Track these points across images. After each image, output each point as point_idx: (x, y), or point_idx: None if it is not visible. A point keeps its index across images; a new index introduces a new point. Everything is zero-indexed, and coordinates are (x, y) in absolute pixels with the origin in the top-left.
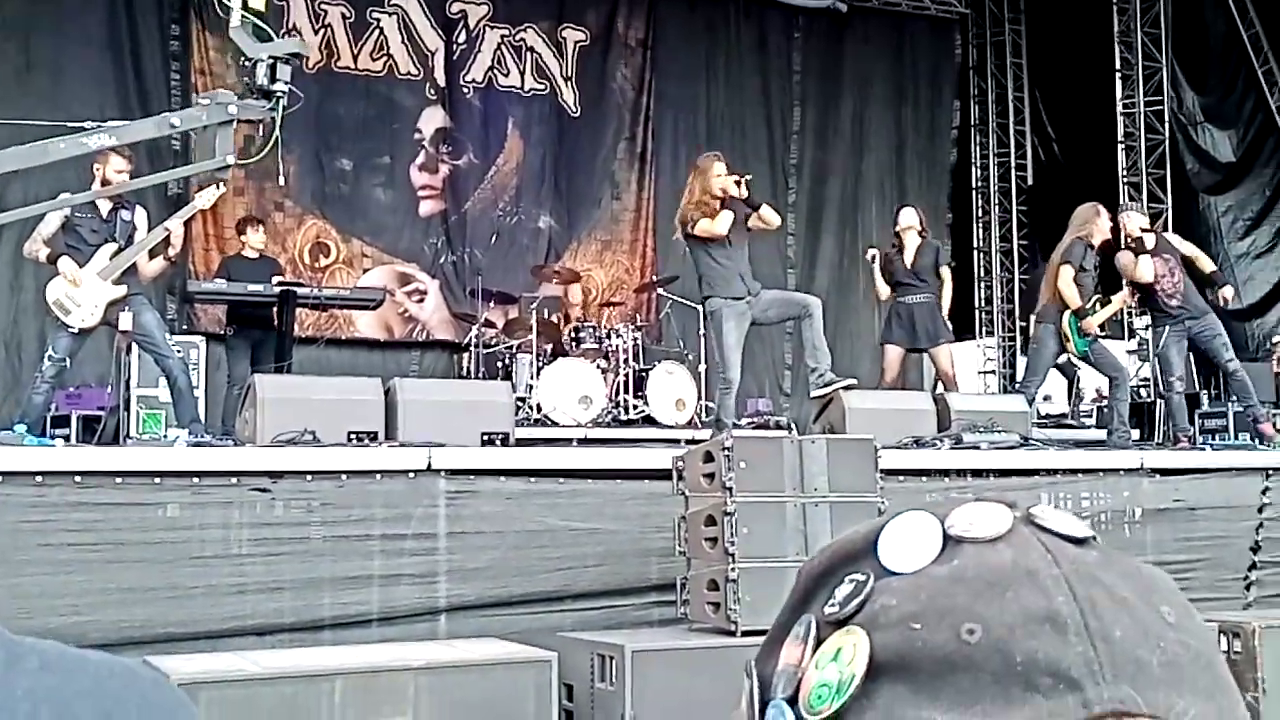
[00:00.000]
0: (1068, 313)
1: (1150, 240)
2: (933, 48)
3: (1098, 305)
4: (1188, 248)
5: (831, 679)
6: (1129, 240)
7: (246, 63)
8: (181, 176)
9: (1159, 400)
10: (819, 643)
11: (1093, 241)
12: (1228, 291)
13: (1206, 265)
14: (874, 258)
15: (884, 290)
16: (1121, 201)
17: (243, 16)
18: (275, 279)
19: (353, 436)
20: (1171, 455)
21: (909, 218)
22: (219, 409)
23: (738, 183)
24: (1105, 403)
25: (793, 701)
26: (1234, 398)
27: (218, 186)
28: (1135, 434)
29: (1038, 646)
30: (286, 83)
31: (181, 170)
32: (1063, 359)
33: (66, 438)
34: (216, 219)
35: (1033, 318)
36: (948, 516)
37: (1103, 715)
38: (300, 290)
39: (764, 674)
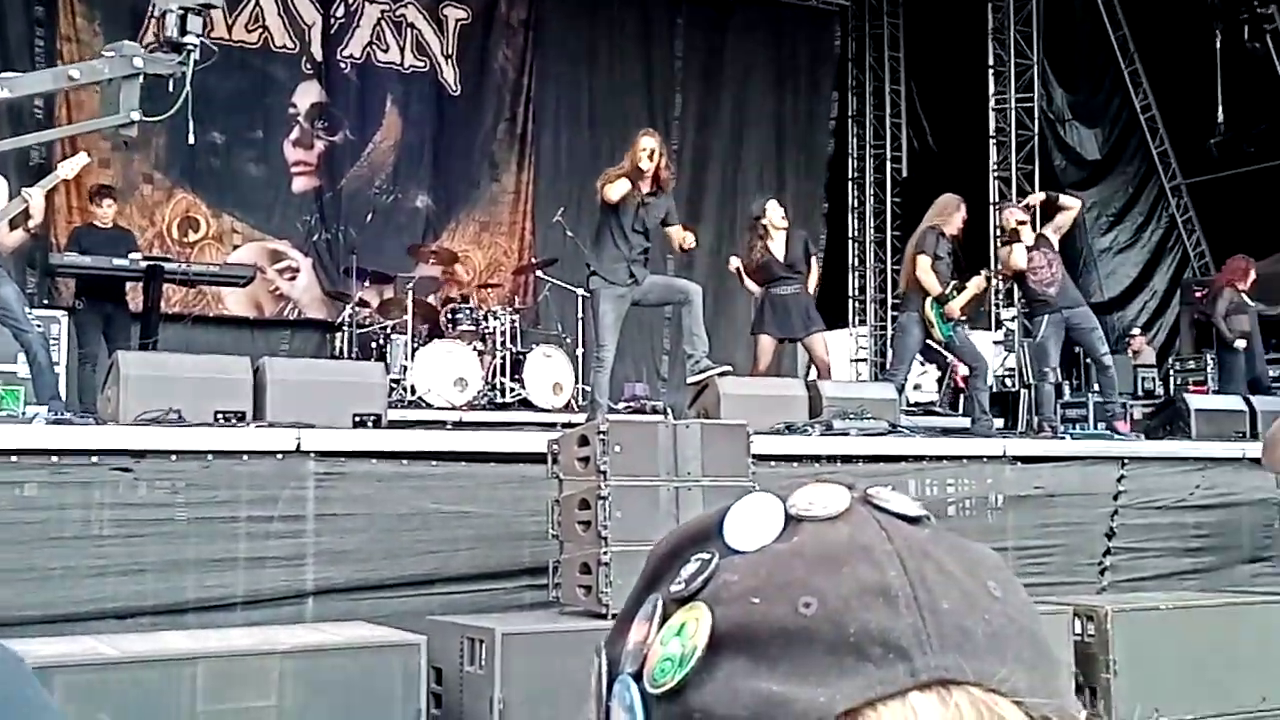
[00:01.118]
0: (929, 299)
1: (1027, 233)
2: (812, 39)
3: (956, 291)
4: (1057, 220)
5: (675, 652)
6: (1005, 234)
7: (156, 12)
8: (84, 132)
9: (1023, 389)
10: (665, 620)
11: (945, 231)
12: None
13: (1068, 201)
14: (737, 269)
15: (756, 289)
16: (992, 196)
17: None
18: (133, 254)
19: (219, 416)
20: (1033, 443)
21: (780, 212)
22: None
23: (657, 163)
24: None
25: (638, 677)
26: (1096, 388)
27: (90, 153)
28: (999, 422)
29: (870, 618)
30: (198, 35)
31: (84, 125)
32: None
33: None
34: (80, 190)
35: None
36: (790, 497)
37: (929, 682)
38: (168, 266)
39: (613, 654)
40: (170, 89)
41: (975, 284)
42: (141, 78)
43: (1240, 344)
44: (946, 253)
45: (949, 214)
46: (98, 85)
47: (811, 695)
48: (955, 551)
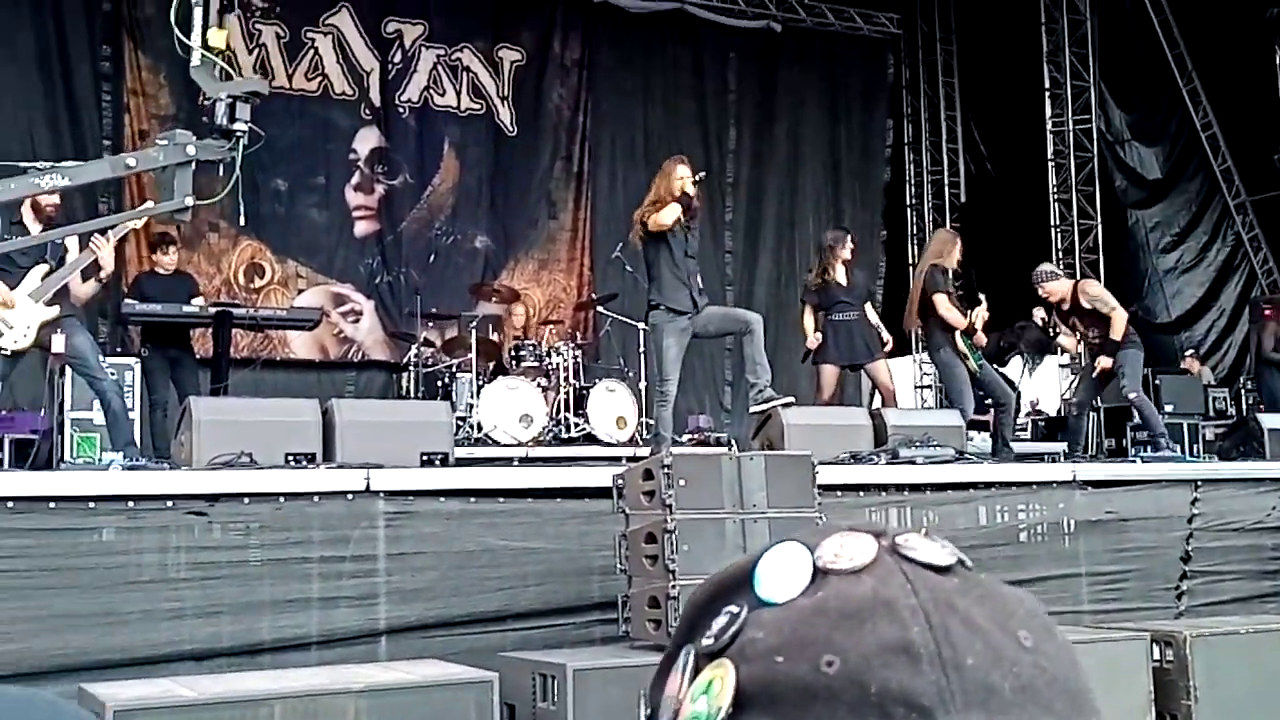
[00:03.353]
0: (958, 333)
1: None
2: (866, 67)
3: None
4: (1103, 304)
5: (702, 711)
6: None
7: (206, 102)
8: (144, 217)
9: (1090, 413)
10: (695, 674)
11: (946, 266)
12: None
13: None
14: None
15: (813, 340)
16: (1053, 219)
17: (203, 55)
18: (195, 298)
19: (290, 458)
20: (1103, 468)
21: (851, 248)
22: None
23: (695, 182)
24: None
25: None
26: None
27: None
28: (1066, 448)
29: (892, 676)
30: (246, 122)
31: (141, 211)
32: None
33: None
34: (146, 239)
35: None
36: (819, 546)
37: None
38: (236, 311)
39: (654, 701)
40: (220, 172)
41: (978, 315)
42: (194, 165)
43: None
44: (953, 287)
45: (949, 251)
46: (153, 172)
47: None
48: (985, 601)
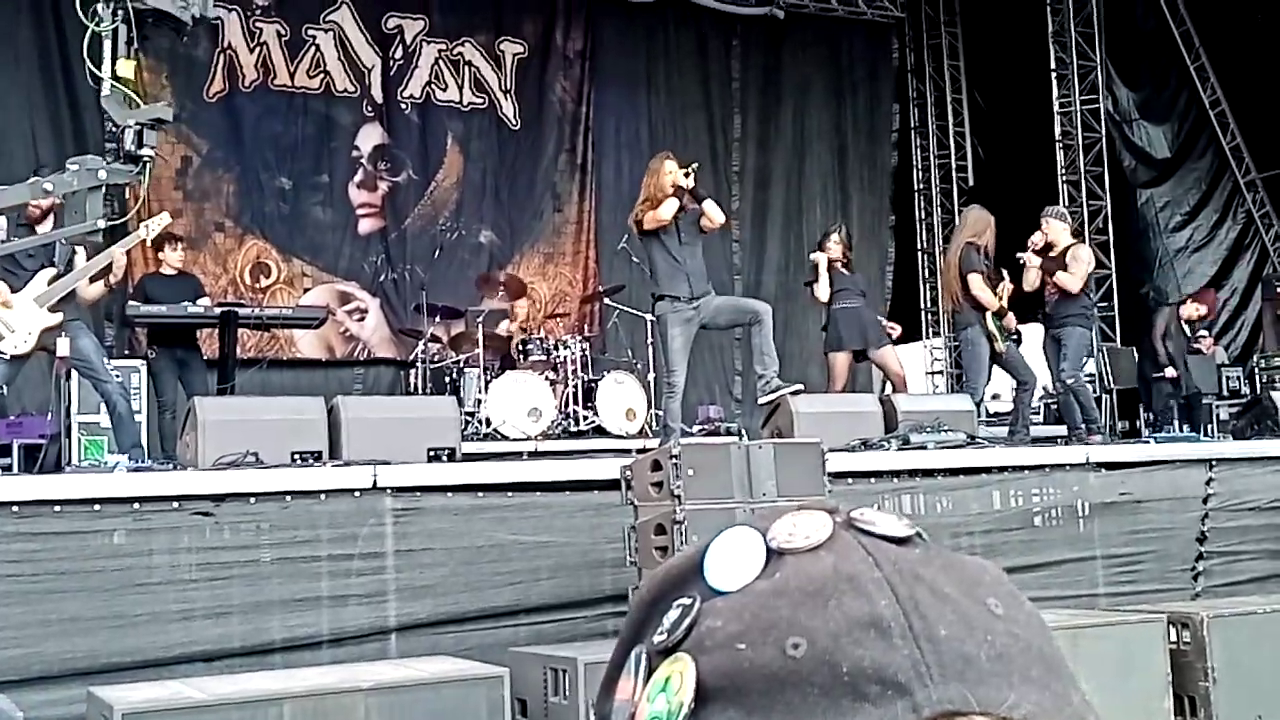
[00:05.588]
0: (989, 314)
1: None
2: (870, 52)
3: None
4: (1075, 266)
5: (661, 710)
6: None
7: (115, 129)
8: (56, 239)
9: (1104, 395)
10: (650, 673)
11: (979, 244)
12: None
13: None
14: (814, 266)
15: (824, 293)
16: (1062, 200)
17: (112, 85)
18: (201, 299)
19: (296, 457)
20: (1117, 449)
21: (840, 249)
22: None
23: (686, 174)
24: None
25: None
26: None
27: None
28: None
29: (864, 654)
30: (152, 148)
31: (55, 233)
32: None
33: (8, 467)
34: (154, 240)
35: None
36: (770, 528)
37: (934, 717)
38: (241, 310)
39: (603, 713)
40: (126, 196)
41: (1003, 289)
42: (104, 188)
43: None
44: (986, 267)
45: (985, 229)
46: (64, 197)
47: None
48: (950, 570)
